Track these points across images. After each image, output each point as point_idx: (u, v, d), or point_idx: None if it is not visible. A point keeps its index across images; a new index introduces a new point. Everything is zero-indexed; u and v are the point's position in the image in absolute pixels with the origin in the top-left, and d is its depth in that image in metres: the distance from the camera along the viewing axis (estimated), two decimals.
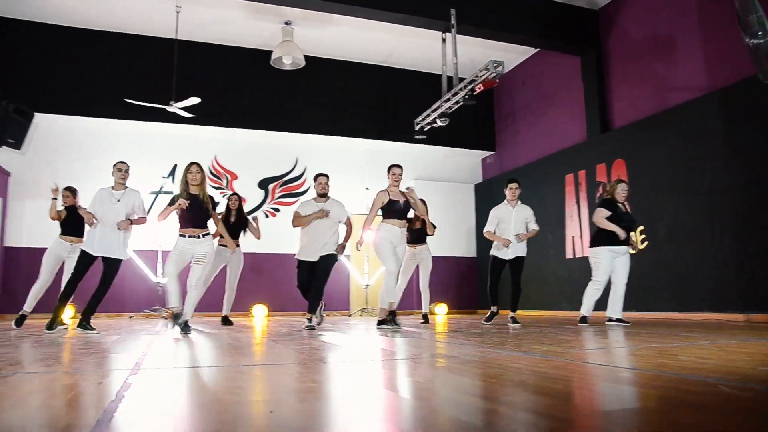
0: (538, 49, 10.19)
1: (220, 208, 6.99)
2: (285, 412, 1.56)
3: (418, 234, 7.32)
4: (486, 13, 8.43)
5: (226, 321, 6.90)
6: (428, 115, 8.67)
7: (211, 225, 5.24)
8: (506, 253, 6.05)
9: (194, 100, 8.28)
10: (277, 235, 9.59)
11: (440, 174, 11.78)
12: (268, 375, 2.37)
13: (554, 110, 10.00)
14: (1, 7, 8.71)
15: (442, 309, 10.51)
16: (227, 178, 10.42)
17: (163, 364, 2.76)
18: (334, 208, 5.82)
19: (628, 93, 8.35)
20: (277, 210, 10.57)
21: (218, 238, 6.60)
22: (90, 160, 9.39)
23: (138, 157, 9.55)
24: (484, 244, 9.69)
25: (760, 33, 4.95)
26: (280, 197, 10.70)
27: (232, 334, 4.94)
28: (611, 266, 5.78)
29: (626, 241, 5.79)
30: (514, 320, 5.98)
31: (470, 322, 7.28)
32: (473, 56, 9.85)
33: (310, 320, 5.66)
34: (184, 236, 5.01)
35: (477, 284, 11.16)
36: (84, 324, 4.99)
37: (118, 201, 5.33)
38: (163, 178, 9.87)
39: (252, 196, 10.46)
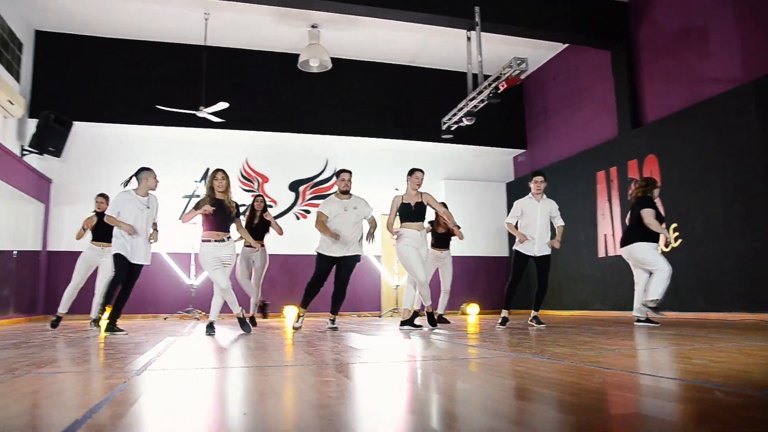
0: (567, 45, 10.00)
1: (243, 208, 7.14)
2: (260, 413, 1.58)
3: (442, 238, 7.30)
4: (511, 10, 8.32)
5: (251, 321, 6.99)
6: (454, 114, 8.61)
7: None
8: (531, 249, 5.80)
9: (223, 105, 8.46)
10: (308, 237, 9.64)
11: (470, 173, 11.69)
12: (262, 377, 2.40)
13: (585, 106, 9.79)
14: (40, 21, 9.09)
15: (473, 309, 10.44)
16: (258, 181, 10.59)
17: (171, 366, 2.82)
18: (359, 206, 5.79)
19: (660, 86, 8.10)
20: (308, 212, 10.67)
21: (243, 239, 6.76)
22: (125, 165, 9.59)
23: (171, 161, 9.86)
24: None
25: None
26: (310, 199, 10.80)
27: (249, 336, 5.02)
28: None
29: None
30: (538, 320, 5.82)
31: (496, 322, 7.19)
32: (501, 53, 9.72)
33: (333, 321, 5.70)
34: (209, 241, 5.12)
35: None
36: (111, 327, 5.15)
37: (148, 207, 5.46)
38: (195, 182, 10.09)
39: (283, 198, 10.62)
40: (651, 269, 5.68)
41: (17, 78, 8.62)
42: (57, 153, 8.82)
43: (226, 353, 3.54)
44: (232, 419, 1.55)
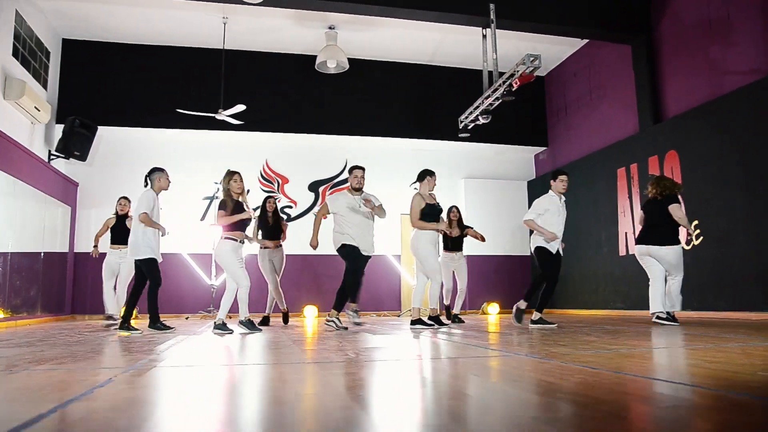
0: (587, 40, 9.83)
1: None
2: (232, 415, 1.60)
3: (456, 241, 7.48)
4: (526, 6, 8.23)
5: (265, 321, 7.07)
6: (471, 113, 8.56)
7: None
8: (554, 247, 5.74)
9: (240, 108, 8.58)
10: (327, 237, 9.72)
11: (491, 171, 11.60)
12: (246, 376, 2.43)
13: (606, 102, 9.61)
14: (65, 30, 9.36)
15: (494, 308, 10.35)
16: (278, 182, 10.70)
17: (167, 363, 2.88)
18: (371, 199, 5.91)
19: (681, 80, 7.90)
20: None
21: (262, 240, 6.90)
22: (148, 167, 9.81)
23: (192, 163, 10.06)
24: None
25: None
26: None
27: (258, 335, 5.08)
28: None
29: None
30: (544, 321, 5.72)
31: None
32: (522, 50, 9.60)
33: (356, 312, 5.73)
34: (235, 240, 5.35)
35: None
36: (125, 326, 5.29)
37: (161, 208, 5.66)
38: (216, 183, 10.23)
39: (302, 199, 10.70)
40: (676, 274, 5.65)
41: (45, 85, 8.90)
42: (82, 157, 9.07)
43: (224, 352, 3.59)
44: (191, 418, 1.57)
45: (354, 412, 1.54)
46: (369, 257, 6.03)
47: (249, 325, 5.37)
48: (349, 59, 9.64)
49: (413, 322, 5.67)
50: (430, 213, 5.68)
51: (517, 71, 7.14)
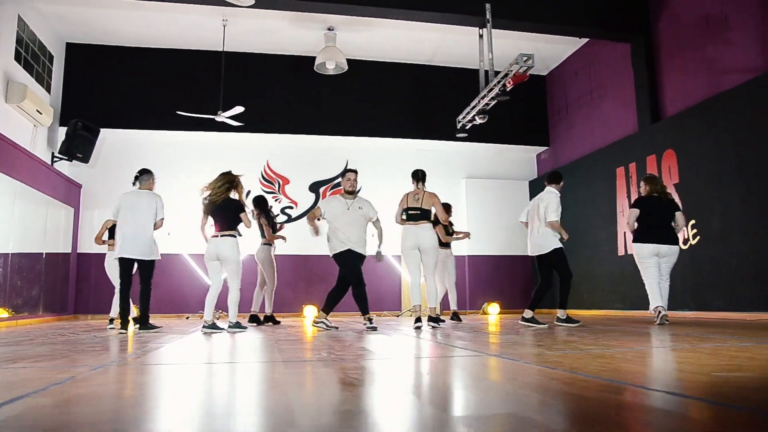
0: (588, 39, 9.78)
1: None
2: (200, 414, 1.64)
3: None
4: (523, 6, 8.20)
5: (253, 319, 7.17)
6: (468, 113, 8.55)
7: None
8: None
9: (239, 109, 8.64)
10: (326, 238, 9.79)
11: (492, 171, 11.58)
12: (215, 374, 2.47)
13: (607, 101, 9.56)
14: (69, 34, 9.49)
15: (494, 309, 10.34)
16: (279, 183, 10.76)
17: (147, 362, 2.93)
18: (364, 206, 5.87)
19: (680, 79, 7.84)
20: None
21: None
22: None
23: (194, 165, 10.14)
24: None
25: None
26: None
27: (246, 334, 5.14)
28: None
29: None
30: (536, 321, 5.78)
31: (514, 321, 7.13)
32: (521, 49, 9.45)
33: (370, 320, 5.57)
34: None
35: (532, 283, 10.85)
36: (148, 325, 5.54)
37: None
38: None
39: (303, 200, 10.76)
40: (668, 275, 5.74)
41: (48, 89, 9.03)
42: (85, 159, 9.19)
43: (208, 352, 3.64)
44: (130, 416, 1.61)
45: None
46: (365, 257, 5.98)
47: (237, 326, 5.60)
48: (348, 60, 9.67)
49: (427, 320, 5.85)
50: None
51: (511, 71, 7.13)
